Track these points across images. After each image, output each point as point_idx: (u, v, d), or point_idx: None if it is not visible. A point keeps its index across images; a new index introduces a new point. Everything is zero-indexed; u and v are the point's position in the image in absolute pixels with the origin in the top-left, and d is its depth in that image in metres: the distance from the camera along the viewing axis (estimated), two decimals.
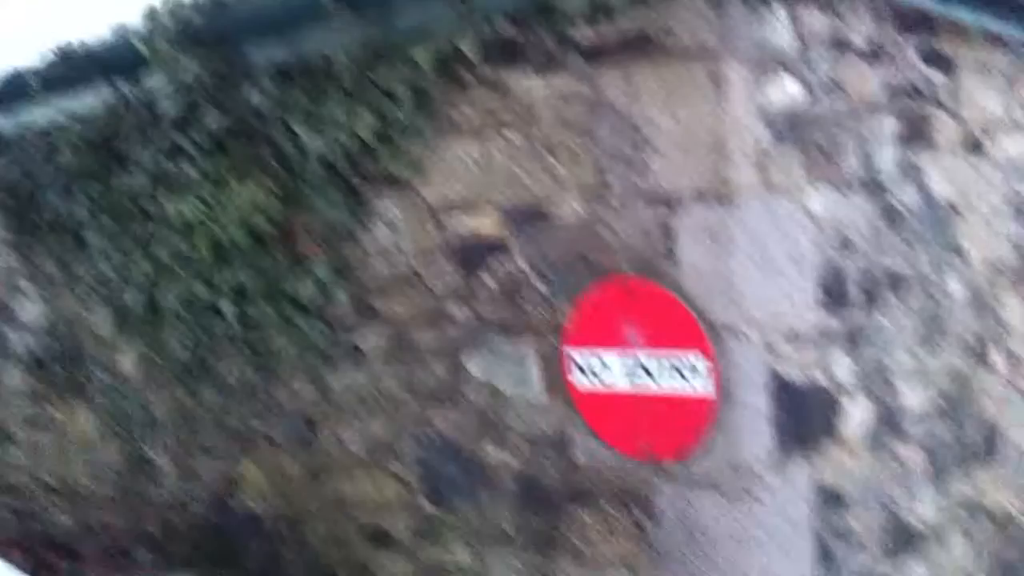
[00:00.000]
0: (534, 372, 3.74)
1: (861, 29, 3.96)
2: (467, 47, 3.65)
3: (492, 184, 3.77)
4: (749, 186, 3.35)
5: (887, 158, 4.10)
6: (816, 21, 3.69)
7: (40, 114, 4.92)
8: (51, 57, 4.76)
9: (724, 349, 3.30)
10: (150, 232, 4.60)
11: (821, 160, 3.74)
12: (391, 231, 4.05)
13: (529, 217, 3.69)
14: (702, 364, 3.29)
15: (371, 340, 4.17)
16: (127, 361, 5.00)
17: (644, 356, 3.40)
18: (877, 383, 4.00)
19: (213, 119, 4.20)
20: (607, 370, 3.49)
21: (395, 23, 3.79)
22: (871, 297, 3.96)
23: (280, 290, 4.28)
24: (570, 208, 3.59)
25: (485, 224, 3.81)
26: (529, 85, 3.62)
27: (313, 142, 3.99)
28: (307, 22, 3.94)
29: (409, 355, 4.06)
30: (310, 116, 3.99)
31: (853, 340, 3.87)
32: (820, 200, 3.72)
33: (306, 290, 4.21)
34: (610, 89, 3.45)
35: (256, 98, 4.10)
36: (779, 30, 3.49)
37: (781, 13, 3.48)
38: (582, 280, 3.54)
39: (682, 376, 3.33)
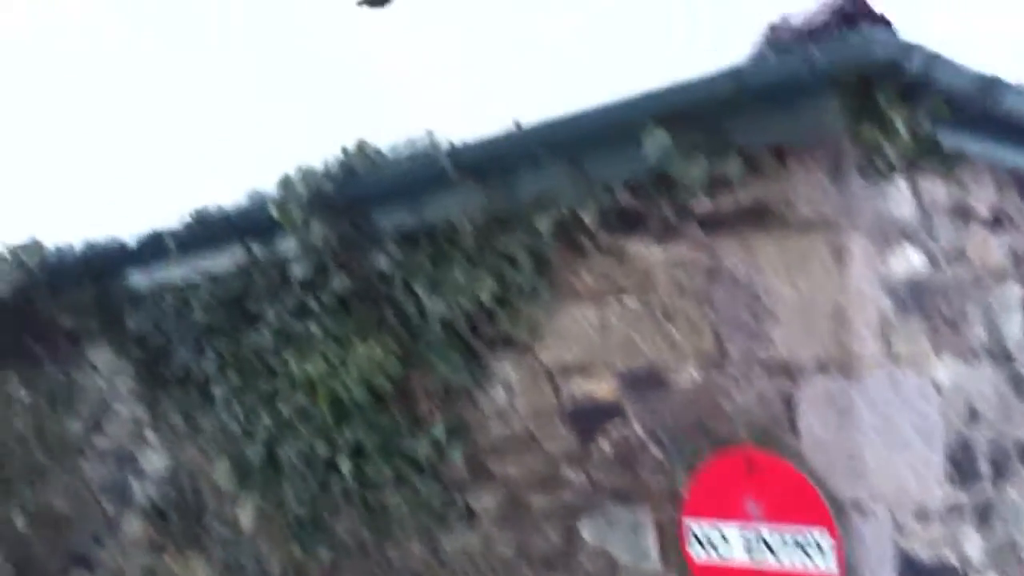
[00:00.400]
0: (650, 541, 3.67)
1: (983, 197, 3.93)
2: (587, 215, 3.73)
3: (609, 349, 3.79)
4: (872, 357, 3.30)
5: (1014, 325, 4.01)
6: (938, 191, 3.69)
7: (175, 272, 5.14)
8: (188, 219, 5.00)
9: (849, 525, 3.20)
10: (274, 388, 4.71)
11: (946, 329, 3.68)
12: (507, 393, 4.08)
13: (646, 382, 3.69)
14: (826, 541, 3.19)
15: (484, 501, 4.16)
16: (244, 514, 5.06)
17: (765, 530, 3.32)
18: (1009, 561, 3.82)
19: (339, 281, 4.34)
20: (726, 543, 3.40)
21: (516, 191, 3.91)
22: (1000, 470, 3.83)
23: (396, 448, 4.32)
24: (688, 375, 3.58)
25: (601, 388, 3.81)
26: (647, 252, 3.67)
27: (434, 304, 4.09)
28: (432, 190, 4.08)
29: (522, 518, 4.04)
30: (432, 279, 4.10)
31: (983, 515, 3.73)
32: (946, 370, 3.65)
33: (422, 449, 4.25)
34: (729, 258, 3.47)
35: (381, 261, 4.24)
36: (900, 201, 3.49)
37: (902, 184, 3.49)
38: (700, 449, 3.50)
39: (805, 553, 3.23)
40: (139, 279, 5.40)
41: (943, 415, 3.59)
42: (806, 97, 3.21)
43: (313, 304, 4.46)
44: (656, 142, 3.42)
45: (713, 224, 3.50)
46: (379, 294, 4.28)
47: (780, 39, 3.27)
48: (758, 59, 3.28)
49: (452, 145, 4.03)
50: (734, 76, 3.28)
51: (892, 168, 3.30)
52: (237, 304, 4.84)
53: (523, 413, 4.04)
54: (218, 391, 4.97)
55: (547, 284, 3.89)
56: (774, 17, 3.32)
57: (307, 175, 4.43)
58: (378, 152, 4.34)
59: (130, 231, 5.41)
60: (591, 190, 3.71)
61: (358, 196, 4.32)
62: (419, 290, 4.13)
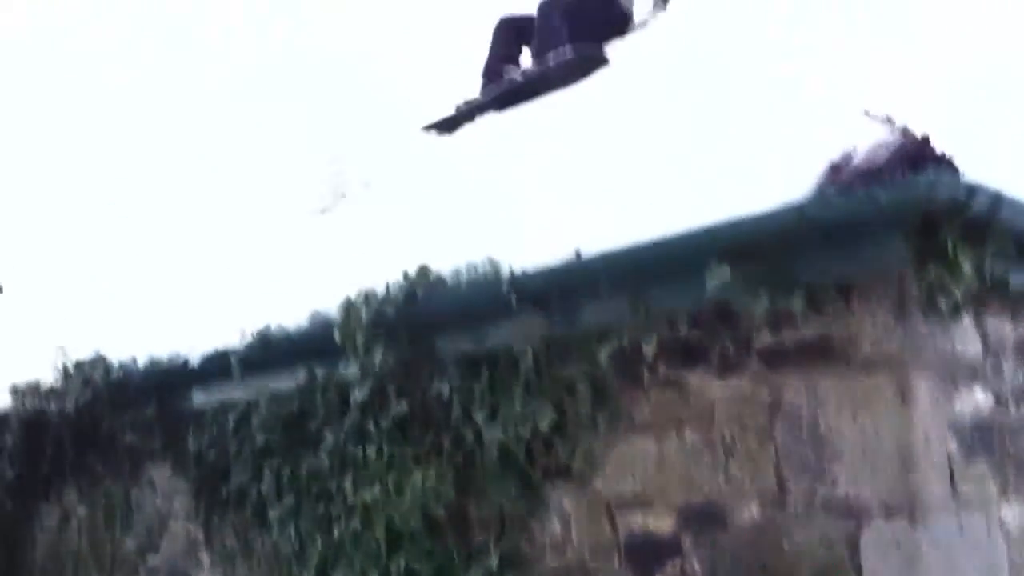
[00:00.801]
0: None
1: None
2: (647, 347, 3.73)
3: (668, 482, 3.74)
4: (938, 499, 3.23)
5: None
6: (1005, 329, 3.65)
7: (236, 392, 5.18)
8: (251, 340, 5.06)
9: None
10: (329, 512, 4.69)
11: (1013, 470, 3.60)
12: (563, 524, 4.02)
13: (705, 519, 3.62)
14: None
15: None
16: None
17: None
18: None
19: (398, 406, 4.35)
20: None
21: (577, 321, 3.92)
22: None
23: None
24: (748, 512, 3.51)
25: (659, 524, 3.75)
26: (708, 386, 3.65)
27: (492, 431, 4.07)
28: (493, 317, 4.11)
29: None
30: (491, 406, 4.10)
31: None
32: (1013, 512, 3.55)
33: None
34: (791, 394, 3.44)
35: (441, 387, 4.25)
36: (966, 340, 3.45)
37: (968, 323, 3.45)
38: None
39: None
40: (201, 398, 5.45)
41: (1010, 559, 3.48)
42: (869, 236, 3.22)
43: (371, 428, 4.46)
44: (718, 276, 3.43)
45: (775, 359, 3.48)
46: (437, 420, 4.28)
47: (841, 178, 3.28)
48: (820, 196, 3.30)
49: (513, 273, 4.07)
50: (797, 212, 3.30)
51: (958, 308, 3.28)
52: (296, 426, 4.86)
53: (579, 546, 3.97)
54: (273, 513, 4.96)
55: (606, 415, 3.87)
56: (835, 156, 3.35)
57: (369, 299, 4.48)
58: (439, 278, 4.39)
59: (193, 347, 5.50)
60: (652, 322, 3.72)
61: (419, 321, 4.35)
62: (477, 417, 4.13)
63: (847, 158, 3.31)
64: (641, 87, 5.60)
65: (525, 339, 4.03)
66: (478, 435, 4.15)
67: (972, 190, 3.14)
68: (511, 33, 8.51)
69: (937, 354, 3.30)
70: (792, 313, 3.38)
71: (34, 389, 6.22)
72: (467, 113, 7.80)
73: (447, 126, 7.87)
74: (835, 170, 3.31)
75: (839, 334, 3.34)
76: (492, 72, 8.36)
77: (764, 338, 3.51)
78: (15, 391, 6.37)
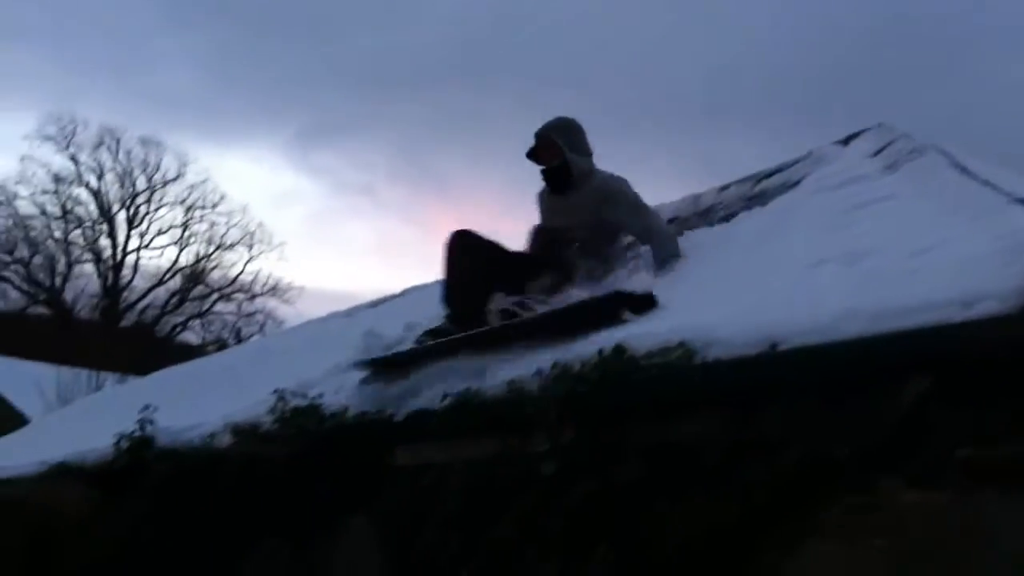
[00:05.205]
0: None
1: None
2: (838, 450, 3.57)
3: None
4: None
5: None
6: None
7: (434, 454, 5.28)
8: (450, 402, 5.16)
9: None
10: None
11: None
12: None
13: None
14: None
15: None
16: None
17: None
18: None
19: (581, 486, 4.30)
20: None
21: (767, 417, 3.80)
22: None
23: None
24: None
25: None
26: (902, 496, 3.44)
27: (670, 524, 3.96)
28: (680, 405, 4.06)
29: None
30: (672, 498, 4.00)
31: None
32: None
33: None
34: (989, 513, 3.21)
35: (624, 472, 4.19)
36: None
37: None
38: None
39: None
40: (404, 456, 5.55)
41: None
42: None
43: (555, 504, 4.44)
44: (916, 385, 3.27)
45: (973, 475, 3.26)
46: (618, 506, 4.21)
47: None
48: None
49: (705, 361, 4.00)
50: (1004, 325, 3.10)
51: None
52: (486, 493, 4.89)
53: None
54: None
55: (791, 518, 3.71)
56: None
57: (564, 373, 4.49)
58: (633, 358, 4.34)
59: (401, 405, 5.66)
60: (844, 425, 3.56)
61: (609, 402, 4.32)
62: (658, 508, 4.04)
63: None
64: None
65: (712, 431, 3.93)
66: (657, 526, 4.05)
67: None
68: None
69: None
70: (994, 429, 3.17)
71: (252, 431, 6.51)
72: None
73: None
74: None
75: None
76: None
77: (965, 452, 3.30)
78: (236, 431, 6.68)
